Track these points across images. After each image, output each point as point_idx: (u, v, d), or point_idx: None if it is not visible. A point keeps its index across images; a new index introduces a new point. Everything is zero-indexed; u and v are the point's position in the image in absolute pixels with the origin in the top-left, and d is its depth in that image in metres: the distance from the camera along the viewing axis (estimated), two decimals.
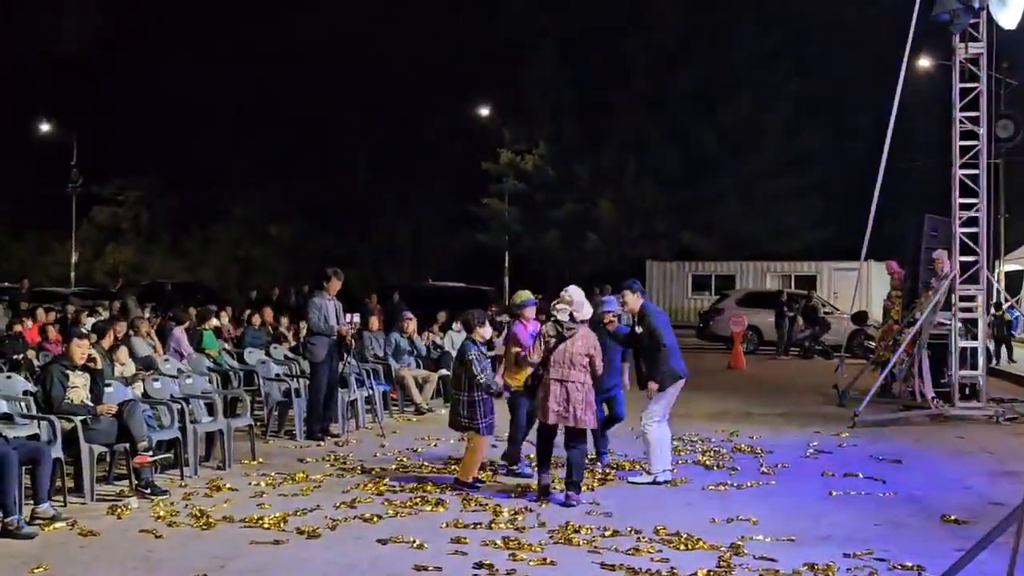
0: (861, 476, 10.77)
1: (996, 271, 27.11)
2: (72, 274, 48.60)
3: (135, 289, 31.28)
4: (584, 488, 9.88)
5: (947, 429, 14.40)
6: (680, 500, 9.72)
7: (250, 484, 10.12)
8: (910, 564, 7.47)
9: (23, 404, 9.95)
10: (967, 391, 15.82)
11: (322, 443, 12.75)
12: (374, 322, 17.58)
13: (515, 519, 8.73)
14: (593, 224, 48.09)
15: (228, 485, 9.98)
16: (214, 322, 16.45)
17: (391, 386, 15.88)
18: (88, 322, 15.06)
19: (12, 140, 50.07)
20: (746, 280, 40.49)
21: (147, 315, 17.93)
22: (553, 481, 9.72)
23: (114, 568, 7.38)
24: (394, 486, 10.02)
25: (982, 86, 15.55)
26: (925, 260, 16.85)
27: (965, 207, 15.65)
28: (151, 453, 9.66)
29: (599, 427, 11.48)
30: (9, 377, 10.97)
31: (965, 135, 15.62)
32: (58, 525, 8.31)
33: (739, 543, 7.94)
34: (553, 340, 9.53)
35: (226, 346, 16.22)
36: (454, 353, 14.35)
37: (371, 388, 14.57)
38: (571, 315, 9.57)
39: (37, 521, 8.29)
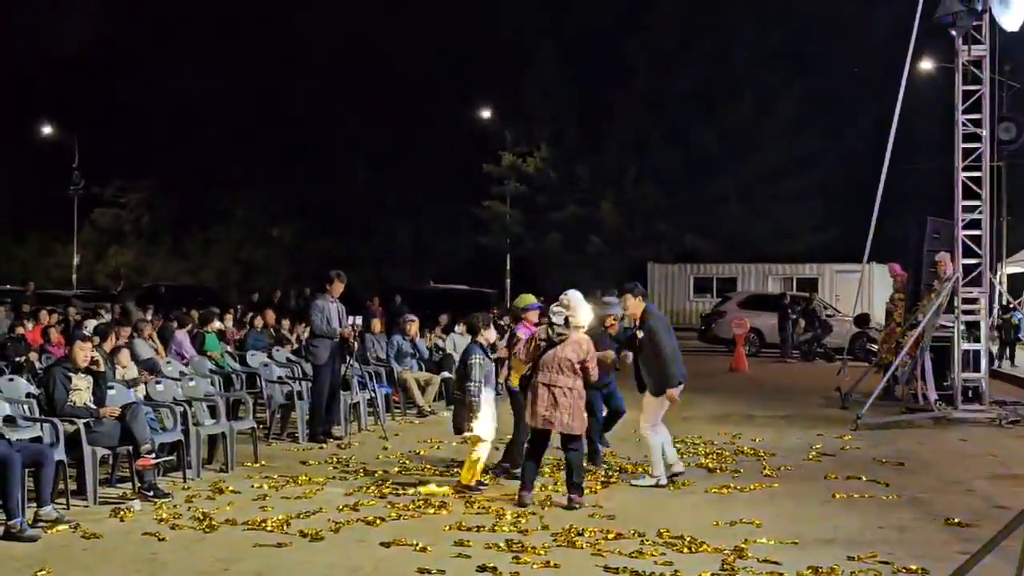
0: (864, 479, 10.76)
1: (998, 274, 27.09)
2: (74, 276, 48.61)
3: (134, 293, 31.25)
4: (587, 491, 9.88)
5: (950, 432, 14.40)
6: (683, 503, 9.71)
7: (253, 487, 10.12)
8: (914, 567, 7.45)
9: (26, 407, 9.94)
10: (970, 394, 15.79)
11: (324, 445, 12.75)
12: (376, 324, 17.59)
13: (518, 522, 8.71)
14: (595, 226, 48.07)
15: (231, 488, 9.98)
16: (217, 324, 16.45)
17: (393, 388, 15.88)
18: (90, 324, 15.04)
19: (14, 142, 50.11)
20: (748, 282, 40.46)
21: (149, 317, 17.93)
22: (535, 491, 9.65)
23: (117, 571, 7.38)
24: (397, 489, 10.02)
25: (985, 88, 15.54)
26: (927, 262, 16.84)
27: (968, 209, 15.63)
28: (154, 456, 9.66)
29: (601, 425, 11.51)
30: (12, 379, 10.99)
31: (968, 137, 15.61)
32: (61, 528, 8.30)
33: (743, 546, 7.93)
34: (544, 344, 9.52)
35: (228, 348, 16.22)
36: (456, 355, 14.38)
37: (373, 390, 14.56)
38: (566, 320, 9.53)
39: (40, 524, 8.29)
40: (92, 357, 9.80)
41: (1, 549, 7.78)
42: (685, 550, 7.91)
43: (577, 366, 9.40)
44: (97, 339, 11.06)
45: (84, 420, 9.39)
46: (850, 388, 17.33)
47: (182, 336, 15.05)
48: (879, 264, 26.08)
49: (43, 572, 7.20)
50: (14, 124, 50.09)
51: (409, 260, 52.07)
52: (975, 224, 15.65)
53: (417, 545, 7.92)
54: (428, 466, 11.36)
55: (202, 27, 52.53)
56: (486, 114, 49.00)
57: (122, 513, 8.86)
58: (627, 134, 47.88)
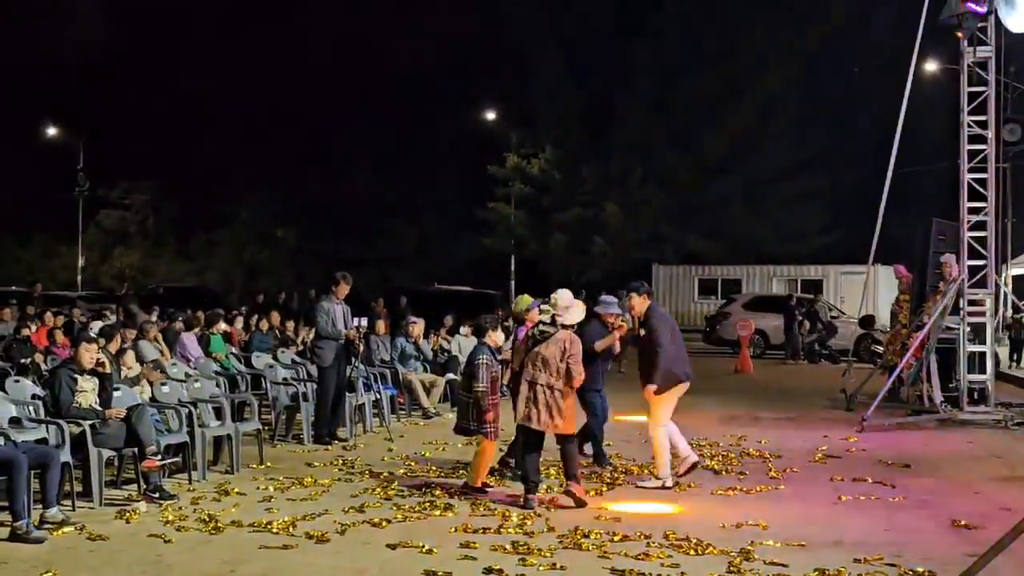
0: (870, 481, 10.74)
1: (1004, 275, 27.07)
2: (79, 278, 48.64)
3: (136, 297, 31.26)
4: (592, 493, 9.87)
5: (956, 433, 14.38)
6: (689, 505, 9.70)
7: (258, 488, 10.11)
8: (921, 570, 7.44)
9: (31, 408, 9.94)
10: (975, 395, 15.77)
11: (330, 447, 12.75)
12: (380, 326, 17.58)
13: (524, 524, 8.71)
14: (599, 228, 48.08)
15: (236, 489, 9.97)
16: (223, 326, 16.45)
17: (398, 390, 15.87)
18: (96, 326, 15.06)
19: (19, 144, 50.17)
20: (752, 284, 40.45)
21: (154, 319, 17.94)
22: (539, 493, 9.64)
23: (123, 572, 7.37)
24: (402, 490, 10.02)
25: (990, 90, 15.52)
26: (933, 264, 16.81)
27: (973, 211, 15.61)
28: (159, 457, 9.65)
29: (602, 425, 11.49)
30: (17, 381, 10.98)
31: (973, 139, 15.59)
32: (67, 529, 8.30)
33: (749, 548, 7.92)
34: (530, 341, 9.53)
35: (233, 350, 16.22)
36: (462, 357, 14.38)
37: (378, 392, 14.56)
38: (553, 318, 9.53)
39: (46, 525, 8.29)
40: (98, 359, 9.80)
41: (7, 551, 7.78)
42: (691, 552, 7.89)
43: (560, 365, 9.36)
44: (103, 341, 11.07)
45: (90, 422, 9.39)
46: (855, 390, 17.32)
47: (189, 339, 15.04)
48: (884, 266, 26.05)
49: (49, 574, 7.19)
50: (19, 126, 50.17)
51: (413, 262, 52.10)
52: (980, 225, 15.63)
53: (423, 547, 7.91)
54: (433, 468, 11.35)
55: (206, 29, 52.68)
56: (491, 116, 49.02)
57: (128, 515, 8.85)
58: (632, 136, 47.89)
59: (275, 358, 15.40)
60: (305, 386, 13.67)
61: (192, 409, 10.78)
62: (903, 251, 19.43)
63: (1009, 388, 19.53)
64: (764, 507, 9.51)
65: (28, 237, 54.64)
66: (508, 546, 7.98)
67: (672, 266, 43.74)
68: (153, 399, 10.90)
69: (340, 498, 9.67)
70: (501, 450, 10.97)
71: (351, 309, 13.62)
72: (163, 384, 11.37)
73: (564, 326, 9.51)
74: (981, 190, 15.57)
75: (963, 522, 8.86)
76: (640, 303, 10.54)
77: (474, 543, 8.06)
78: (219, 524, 8.56)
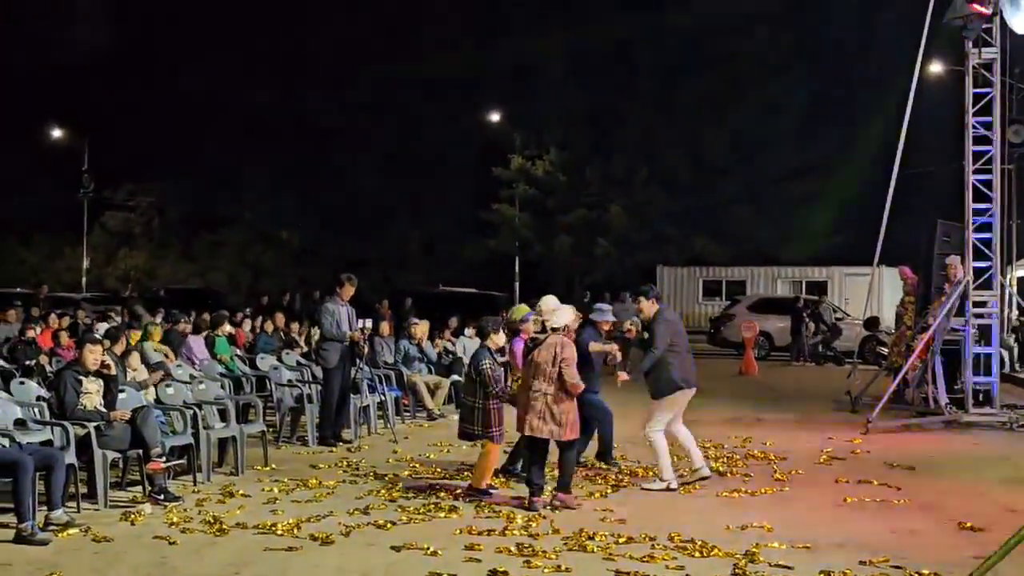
0: (875, 483, 10.73)
1: (1009, 276, 27.02)
2: (83, 279, 48.67)
3: (140, 299, 31.32)
4: (597, 495, 9.87)
5: (961, 435, 14.37)
6: (694, 507, 9.69)
7: (263, 490, 10.12)
8: (926, 572, 7.42)
9: (36, 410, 9.96)
10: (980, 397, 15.75)
11: (334, 449, 12.75)
12: (385, 327, 17.58)
13: (529, 526, 8.71)
14: (603, 229, 48.04)
15: (241, 491, 9.98)
16: (228, 328, 16.46)
17: (403, 392, 15.87)
18: (101, 328, 15.07)
19: (24, 145, 50.23)
20: (757, 286, 40.42)
21: (159, 321, 17.95)
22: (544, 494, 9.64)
23: (127, 574, 7.38)
24: (407, 492, 10.02)
25: (995, 91, 15.50)
26: (938, 265, 16.78)
27: (978, 212, 15.59)
28: (164, 459, 9.66)
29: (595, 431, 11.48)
30: (22, 383, 11.00)
31: (978, 140, 15.57)
32: (72, 531, 8.30)
33: (754, 550, 7.91)
34: (527, 351, 9.54)
35: (238, 352, 16.23)
36: (466, 359, 14.38)
37: (383, 394, 14.56)
38: (543, 325, 9.53)
39: (51, 527, 8.29)
40: (103, 361, 9.81)
41: (12, 553, 7.79)
42: (696, 554, 7.89)
43: (552, 369, 9.32)
44: (107, 342, 11.09)
45: (94, 423, 9.40)
46: (860, 392, 17.30)
47: (196, 341, 15.03)
48: (889, 267, 25.96)
49: (54, 575, 7.21)
50: (25, 127, 50.22)
51: (418, 263, 52.11)
52: (985, 227, 15.62)
53: (428, 549, 7.91)
54: (438, 469, 11.34)
55: (211, 31, 52.69)
56: (495, 118, 49.01)
57: (133, 517, 8.86)
58: (636, 137, 47.86)
59: (280, 360, 15.41)
60: (310, 388, 13.67)
61: (197, 411, 10.78)
62: (908, 252, 19.38)
63: (1015, 390, 19.49)
64: (769, 509, 9.50)
65: (33, 239, 54.68)
66: (513, 548, 7.98)
67: (676, 268, 43.71)
68: (158, 401, 10.92)
69: (345, 500, 9.67)
70: (505, 452, 10.96)
71: (356, 311, 13.62)
72: (168, 386, 11.38)
73: (554, 329, 9.50)
74: (986, 191, 15.55)
75: (969, 524, 8.85)
76: (648, 307, 10.56)
77: (479, 545, 8.06)
78: (224, 526, 8.57)
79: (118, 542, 8.14)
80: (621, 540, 8.25)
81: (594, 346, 11.11)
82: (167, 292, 37.44)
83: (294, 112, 50.74)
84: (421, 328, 17.37)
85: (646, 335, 10.55)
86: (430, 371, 16.84)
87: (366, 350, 14.02)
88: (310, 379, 14.39)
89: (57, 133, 51.39)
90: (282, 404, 13.56)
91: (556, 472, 9.80)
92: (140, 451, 9.61)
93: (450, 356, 17.80)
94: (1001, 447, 13.37)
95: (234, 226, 53.94)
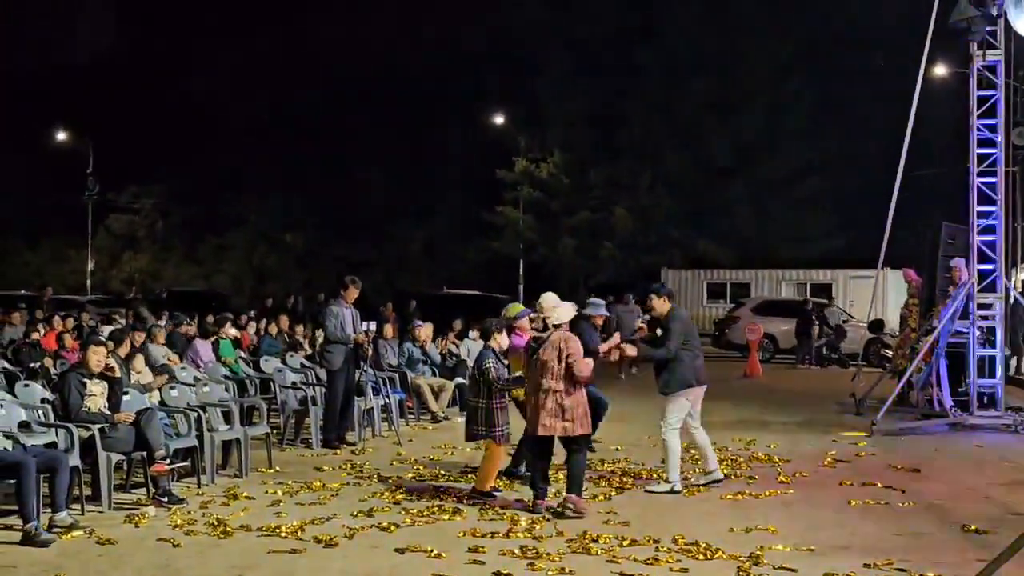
0: (880, 485, 10.71)
1: (1013, 279, 26.99)
2: (88, 282, 48.75)
3: (145, 301, 31.35)
4: (601, 497, 9.86)
5: (965, 438, 14.34)
6: (698, 509, 9.69)
7: (267, 492, 10.12)
8: (931, 575, 7.41)
9: (41, 412, 9.97)
10: (985, 400, 15.72)
11: (338, 451, 12.76)
12: (389, 330, 17.59)
13: (533, 528, 8.70)
14: (608, 232, 48.01)
15: (245, 493, 9.99)
16: (232, 331, 16.46)
17: (407, 394, 15.87)
18: (106, 330, 15.09)
19: (29, 148, 50.31)
20: (761, 288, 40.34)
21: (163, 323, 17.97)
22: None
23: None
24: (411, 495, 10.02)
25: (999, 93, 15.47)
26: (942, 268, 16.76)
27: (983, 215, 15.56)
28: (168, 461, 9.67)
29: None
30: (27, 385, 11.01)
31: (982, 143, 15.54)
32: (76, 533, 8.31)
33: (758, 553, 7.90)
34: (529, 352, 9.52)
35: (242, 354, 16.24)
36: (470, 361, 14.38)
37: (387, 396, 14.57)
38: (544, 323, 9.51)
39: (55, 529, 8.30)
40: (107, 363, 9.82)
41: (17, 555, 7.80)
42: (700, 557, 7.88)
43: (559, 366, 9.28)
44: (111, 344, 11.09)
45: (99, 426, 9.40)
46: (865, 394, 17.28)
47: (203, 345, 15.03)
48: (893, 270, 25.96)
49: None
50: (29, 130, 50.31)
51: (422, 266, 52.14)
52: (990, 229, 15.59)
53: (431, 551, 7.91)
54: (442, 472, 11.34)
55: (215, 33, 52.75)
56: (499, 120, 49.01)
57: (137, 519, 8.87)
58: (640, 139, 47.82)
59: (284, 362, 15.41)
60: (314, 390, 13.68)
61: (201, 413, 10.78)
62: (912, 255, 19.37)
63: (1019, 392, 19.45)
64: (773, 511, 9.49)
65: (37, 241, 54.80)
66: (516, 550, 7.97)
67: (681, 270, 43.63)
68: (162, 403, 10.92)
69: (349, 502, 9.68)
70: (510, 455, 10.96)
71: (359, 313, 13.62)
72: (172, 388, 11.39)
73: (555, 326, 9.49)
74: (991, 194, 15.52)
75: (973, 527, 8.84)
76: (660, 304, 10.55)
77: (483, 547, 8.06)
78: (228, 528, 8.57)
79: (122, 544, 8.14)
80: (625, 542, 8.25)
81: (604, 347, 11.13)
82: (169, 294, 37.46)
83: (298, 114, 50.75)
84: (425, 330, 17.38)
85: (659, 332, 10.54)
86: (434, 373, 16.83)
87: (370, 352, 14.01)
88: (314, 381, 14.39)
89: (61, 136, 51.49)
90: (286, 406, 13.56)
91: (561, 474, 9.79)
92: (144, 453, 9.62)
93: (454, 358, 17.81)
94: (1006, 449, 13.34)
95: (239, 229, 54.02)
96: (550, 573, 7.47)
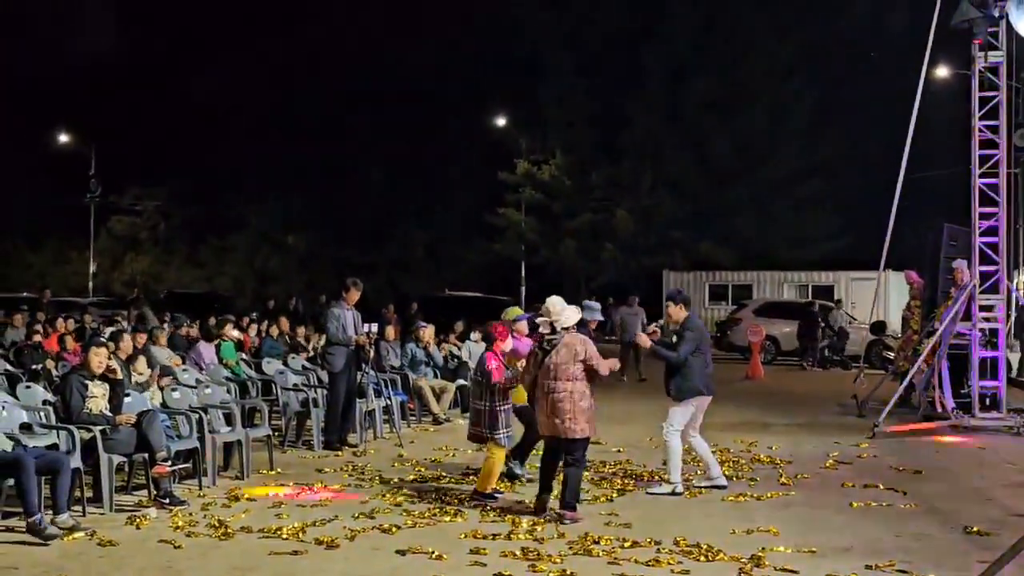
0: (882, 487, 10.71)
1: (1016, 280, 26.98)
2: (90, 284, 48.78)
3: (147, 301, 31.36)
4: (602, 499, 9.85)
5: (967, 440, 14.32)
6: (700, 511, 9.68)
7: (268, 494, 10.12)
8: None
9: (42, 414, 9.97)
10: (987, 401, 15.71)
11: (340, 453, 12.75)
12: (390, 332, 17.59)
13: (534, 530, 8.70)
14: (609, 234, 48.01)
15: (246, 495, 9.98)
16: (234, 333, 16.46)
17: (408, 396, 15.87)
18: (108, 332, 15.09)
19: (31, 150, 50.36)
20: (763, 290, 40.33)
21: (165, 325, 17.98)
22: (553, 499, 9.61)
23: None
24: (412, 496, 10.01)
25: (1001, 95, 15.48)
26: (944, 270, 16.77)
27: (985, 216, 15.56)
28: (169, 463, 9.66)
29: None
30: (28, 387, 11.01)
31: (984, 144, 15.54)
32: (77, 535, 8.31)
33: (760, 554, 7.90)
34: (540, 354, 9.50)
35: (244, 356, 16.24)
36: (471, 363, 14.38)
37: (389, 398, 14.56)
38: (552, 326, 9.49)
39: (57, 531, 8.29)
40: (108, 365, 9.82)
41: (19, 555, 7.80)
42: (702, 558, 7.88)
43: (574, 368, 9.25)
44: (112, 345, 11.09)
45: (100, 427, 9.40)
46: (867, 396, 17.27)
47: (206, 348, 15.02)
48: (895, 271, 25.95)
49: None
50: (32, 132, 50.36)
51: (424, 267, 52.15)
52: (992, 231, 15.58)
53: (433, 553, 7.91)
54: (443, 474, 11.34)
55: (217, 35, 52.79)
56: (501, 122, 49.02)
57: (138, 520, 8.87)
58: (642, 141, 47.81)
59: (286, 364, 15.42)
60: (315, 392, 13.68)
61: (202, 415, 10.78)
62: (914, 256, 19.36)
63: (1021, 395, 19.44)
64: (775, 513, 9.49)
65: (40, 243, 54.84)
66: (518, 552, 7.97)
67: (682, 272, 43.60)
68: (164, 405, 10.92)
69: (350, 504, 9.67)
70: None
71: (361, 315, 13.62)
72: (173, 390, 11.39)
73: (565, 329, 9.47)
74: (993, 195, 15.52)
75: (975, 528, 8.83)
76: (677, 312, 10.54)
77: (484, 549, 8.06)
78: (229, 530, 8.57)
79: (123, 546, 8.14)
80: (626, 544, 8.24)
81: (612, 362, 11.10)
82: (169, 296, 37.46)
83: (300, 116, 50.79)
84: (427, 332, 17.37)
85: (674, 338, 10.52)
86: (436, 375, 16.83)
87: (372, 354, 14.00)
88: (316, 383, 14.38)
89: (64, 138, 51.54)
90: (288, 408, 13.56)
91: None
92: (145, 455, 9.61)
93: (456, 360, 17.80)
94: (1008, 451, 13.33)
95: (240, 231, 54.05)
96: (551, 575, 7.46)
